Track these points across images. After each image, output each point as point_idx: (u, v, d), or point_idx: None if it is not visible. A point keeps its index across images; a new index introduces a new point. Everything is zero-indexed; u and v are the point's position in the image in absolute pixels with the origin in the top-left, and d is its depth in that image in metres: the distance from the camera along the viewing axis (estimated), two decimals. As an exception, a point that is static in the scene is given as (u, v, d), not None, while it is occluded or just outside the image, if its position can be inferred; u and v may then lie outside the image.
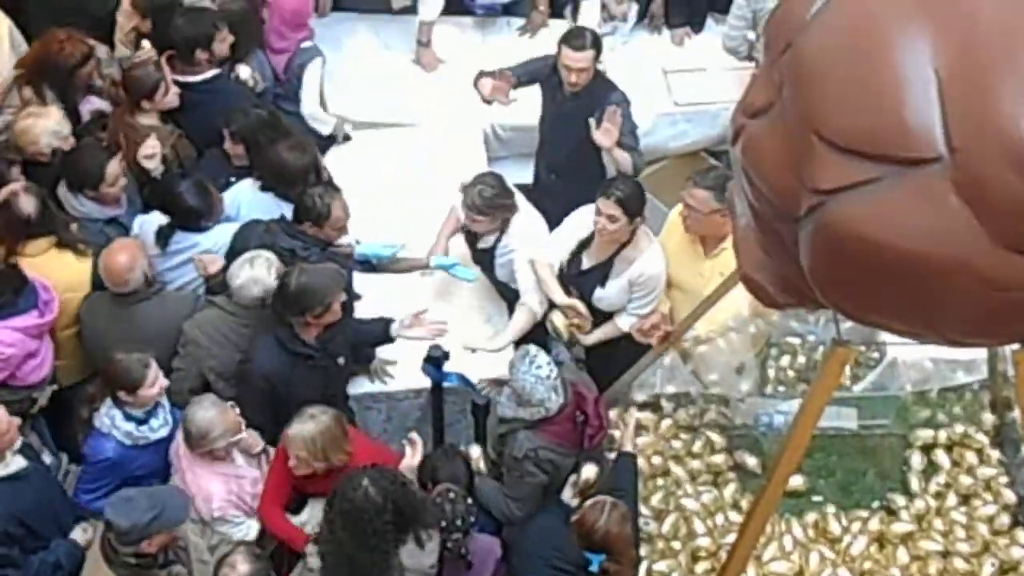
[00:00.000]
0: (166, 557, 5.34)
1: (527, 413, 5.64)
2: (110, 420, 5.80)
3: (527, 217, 6.74)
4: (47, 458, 6.14)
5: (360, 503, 5.11)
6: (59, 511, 5.69)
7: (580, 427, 5.68)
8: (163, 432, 5.88)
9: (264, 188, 6.71)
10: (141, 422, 5.82)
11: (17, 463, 5.50)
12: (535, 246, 6.66)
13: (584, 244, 6.65)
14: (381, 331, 6.36)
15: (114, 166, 6.51)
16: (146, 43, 7.17)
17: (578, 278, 6.70)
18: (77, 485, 5.95)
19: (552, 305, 6.68)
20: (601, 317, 6.75)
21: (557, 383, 5.65)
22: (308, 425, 5.45)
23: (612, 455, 6.16)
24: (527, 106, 7.50)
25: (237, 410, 5.75)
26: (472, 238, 6.85)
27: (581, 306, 6.62)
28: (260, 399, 5.93)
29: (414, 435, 5.88)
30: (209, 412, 5.64)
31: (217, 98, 7.02)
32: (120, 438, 5.79)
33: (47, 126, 6.54)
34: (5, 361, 6.00)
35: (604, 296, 6.67)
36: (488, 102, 7.34)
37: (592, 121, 7.00)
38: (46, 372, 6.20)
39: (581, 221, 6.64)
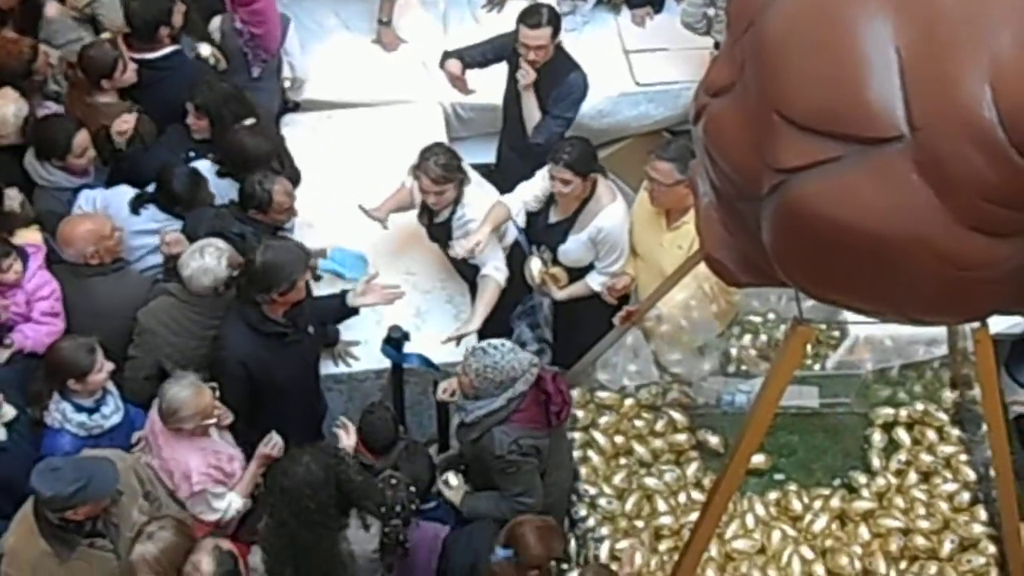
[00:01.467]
0: (93, 527, 5.21)
1: (504, 399, 5.55)
2: (61, 415, 5.66)
3: (479, 188, 6.72)
4: None
5: (302, 477, 5.08)
6: (27, 494, 5.62)
7: (544, 406, 5.66)
8: (116, 419, 5.75)
9: (220, 174, 6.60)
10: (92, 411, 5.70)
11: None
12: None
13: (553, 198, 6.70)
14: (339, 304, 6.33)
15: (82, 137, 6.46)
16: None
17: (545, 232, 6.77)
18: None
19: (527, 253, 6.80)
20: (575, 275, 6.81)
21: (515, 346, 5.64)
22: (148, 547, 5.07)
23: (574, 435, 6.20)
24: (489, 86, 7.47)
25: (217, 393, 5.68)
26: (429, 216, 6.81)
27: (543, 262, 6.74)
28: (239, 386, 5.87)
29: (344, 419, 5.82)
30: (183, 392, 5.52)
31: (176, 74, 6.93)
32: (74, 430, 5.65)
33: (9, 111, 6.45)
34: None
35: (567, 250, 6.74)
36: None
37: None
38: None
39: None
